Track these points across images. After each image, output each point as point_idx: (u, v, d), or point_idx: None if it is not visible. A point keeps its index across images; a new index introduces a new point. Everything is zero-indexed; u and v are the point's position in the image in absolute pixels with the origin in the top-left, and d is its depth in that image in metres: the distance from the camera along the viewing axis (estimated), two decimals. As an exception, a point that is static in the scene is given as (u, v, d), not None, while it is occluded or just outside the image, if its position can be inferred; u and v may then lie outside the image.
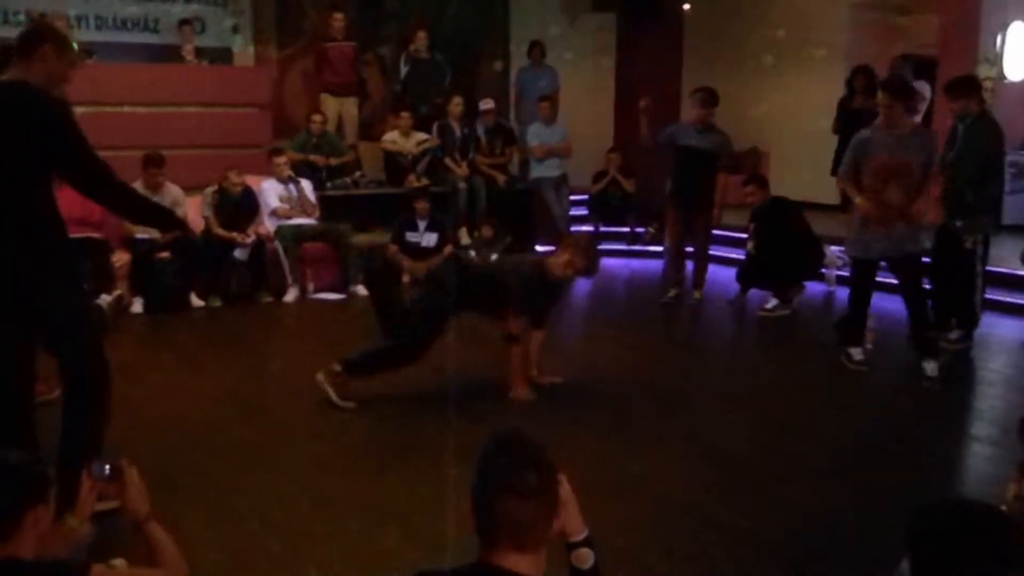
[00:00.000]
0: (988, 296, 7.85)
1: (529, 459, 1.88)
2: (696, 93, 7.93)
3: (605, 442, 4.86)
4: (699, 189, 7.83)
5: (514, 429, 1.98)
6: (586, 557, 2.07)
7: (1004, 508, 2.99)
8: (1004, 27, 10.89)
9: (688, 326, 7.84)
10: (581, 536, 2.07)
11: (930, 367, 5.81)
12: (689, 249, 8.29)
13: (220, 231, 8.11)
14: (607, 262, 10.32)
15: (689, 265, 8.33)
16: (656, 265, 9.53)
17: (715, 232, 10.23)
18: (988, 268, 8.12)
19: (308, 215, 8.67)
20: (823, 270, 8.42)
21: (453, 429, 4.79)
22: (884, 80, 6.47)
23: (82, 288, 3.91)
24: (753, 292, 8.15)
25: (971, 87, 6.59)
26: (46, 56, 3.60)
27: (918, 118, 9.19)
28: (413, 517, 3.89)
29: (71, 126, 3.59)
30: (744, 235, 8.92)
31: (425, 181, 9.72)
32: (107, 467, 2.60)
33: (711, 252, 8.53)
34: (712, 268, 8.73)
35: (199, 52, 9.90)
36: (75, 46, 3.76)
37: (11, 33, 8.85)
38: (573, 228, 10.44)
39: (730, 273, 8.55)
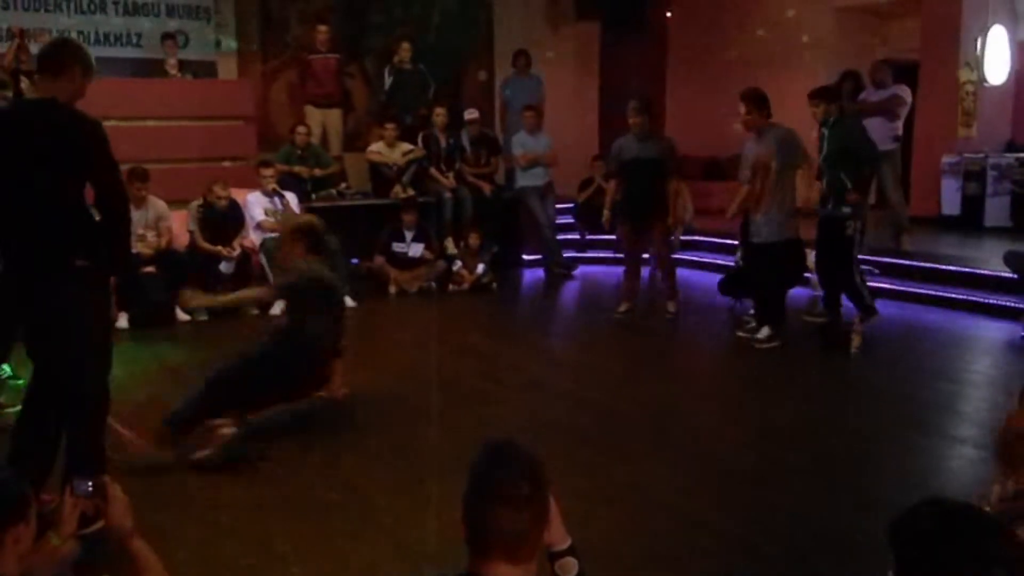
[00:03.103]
0: (972, 298, 7.96)
1: (522, 469, 1.86)
2: (631, 103, 7.86)
3: (591, 449, 4.86)
4: (651, 200, 7.67)
5: (506, 438, 1.96)
6: (570, 566, 2.06)
7: (988, 509, 3.00)
8: (984, 31, 11.00)
9: (673, 333, 7.85)
10: (565, 545, 2.05)
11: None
12: (645, 256, 8.23)
13: (205, 245, 8.08)
14: (593, 269, 10.42)
15: (648, 275, 8.25)
16: (643, 273, 9.52)
17: (706, 238, 10.31)
18: (975, 270, 8.28)
19: (294, 227, 8.64)
20: (807, 275, 8.44)
21: (438, 439, 4.79)
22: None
23: (105, 308, 3.94)
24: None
25: (832, 95, 7.48)
26: (75, 77, 3.69)
27: (899, 122, 9.25)
28: (400, 527, 3.88)
29: (105, 145, 3.69)
30: (731, 241, 8.97)
31: (411, 192, 9.73)
32: (89, 484, 2.58)
33: (694, 258, 8.49)
34: (698, 274, 8.76)
35: (183, 66, 9.88)
36: (95, 64, 3.85)
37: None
38: (559, 236, 10.46)
39: (713, 279, 8.57)
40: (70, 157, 3.62)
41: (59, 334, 3.70)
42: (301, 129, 9.67)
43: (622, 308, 8.05)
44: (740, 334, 7.22)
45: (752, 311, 7.60)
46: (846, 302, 7.36)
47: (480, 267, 9.39)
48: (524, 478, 1.84)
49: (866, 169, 7.30)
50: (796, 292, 8.33)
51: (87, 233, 3.70)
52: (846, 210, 7.13)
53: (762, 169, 6.87)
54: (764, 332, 6.91)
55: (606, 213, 8.15)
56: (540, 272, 10.31)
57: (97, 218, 3.77)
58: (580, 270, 10.26)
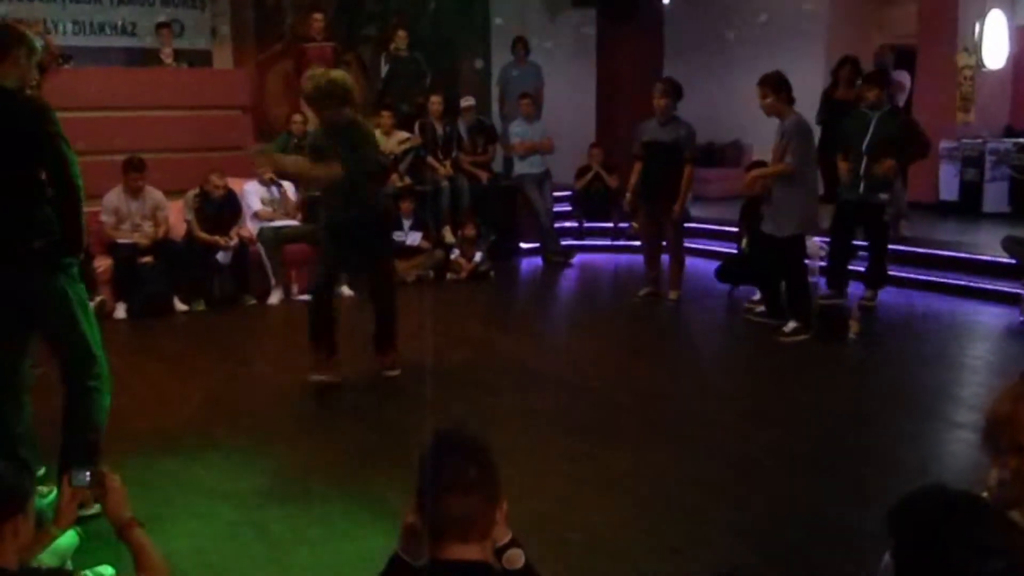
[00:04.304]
0: (971, 284, 7.98)
1: (468, 454, 1.92)
2: (657, 84, 7.88)
3: (589, 437, 4.86)
4: (666, 184, 7.69)
5: (455, 425, 2.02)
6: (516, 557, 2.09)
7: (986, 495, 3.00)
8: (982, 16, 10.96)
9: (672, 320, 7.85)
10: (507, 539, 2.08)
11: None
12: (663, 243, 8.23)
13: (202, 235, 8.07)
14: (591, 258, 10.40)
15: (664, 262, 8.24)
16: (640, 260, 9.54)
17: (703, 225, 10.30)
18: (973, 256, 8.32)
19: (290, 216, 8.64)
20: (806, 261, 8.44)
21: (434, 428, 4.78)
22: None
23: (73, 289, 3.89)
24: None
25: (885, 80, 7.68)
26: (19, 60, 3.62)
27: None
28: (398, 517, 3.87)
29: (54, 127, 3.61)
30: (728, 228, 8.95)
31: (408, 180, 9.71)
32: (87, 474, 2.58)
33: (692, 245, 8.49)
34: (695, 261, 8.74)
35: (178, 55, 9.84)
36: (39, 46, 3.78)
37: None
38: (557, 225, 10.44)
39: (712, 266, 8.56)
40: (22, 142, 3.57)
41: (40, 326, 3.70)
42: (297, 118, 9.60)
43: (642, 291, 8.13)
44: (748, 316, 7.26)
45: (756, 297, 7.61)
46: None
47: (478, 256, 9.38)
48: (470, 463, 1.90)
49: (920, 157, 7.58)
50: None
51: (45, 216, 3.64)
52: (884, 197, 7.29)
53: (774, 159, 6.76)
54: (791, 325, 6.72)
55: (628, 196, 8.15)
56: (538, 260, 10.30)
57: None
58: (578, 258, 10.24)
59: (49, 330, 3.77)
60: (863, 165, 7.22)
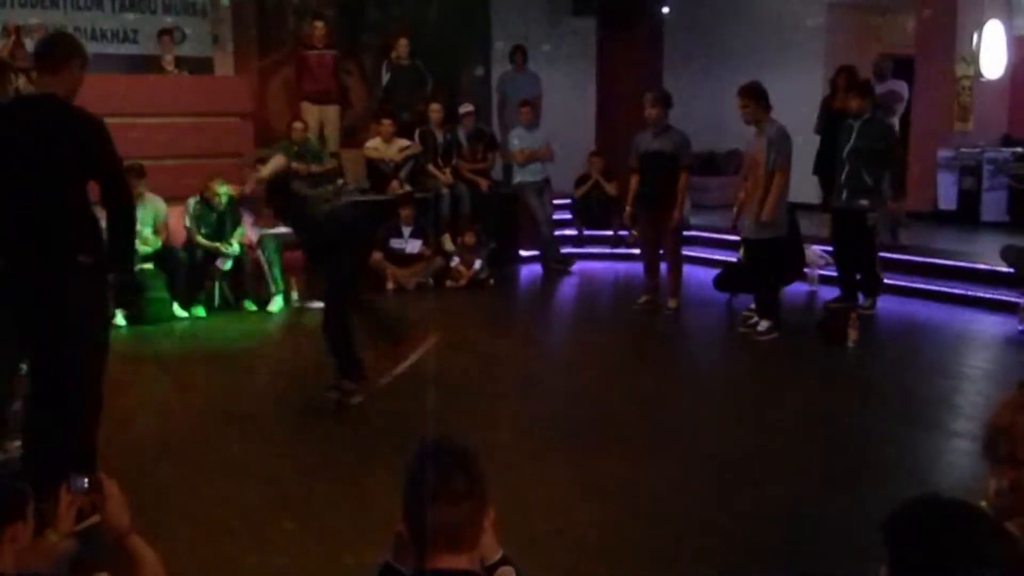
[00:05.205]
0: (969, 293, 7.98)
1: (455, 464, 1.91)
2: (647, 94, 7.98)
3: (589, 444, 4.87)
4: (664, 192, 7.76)
5: (441, 435, 2.01)
6: (508, 575, 2.08)
7: (984, 504, 3.00)
8: (980, 26, 10.99)
9: (671, 329, 7.85)
10: (498, 556, 2.08)
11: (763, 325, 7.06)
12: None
13: (203, 241, 8.08)
14: (591, 265, 10.41)
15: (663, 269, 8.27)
16: (640, 268, 9.56)
17: (702, 234, 10.32)
18: (971, 265, 8.33)
19: (291, 223, 8.63)
20: (805, 270, 8.46)
21: (436, 436, 4.78)
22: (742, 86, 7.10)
23: (105, 305, 3.91)
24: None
25: (868, 90, 7.83)
26: (72, 71, 3.69)
27: (896, 118, 9.25)
28: (397, 522, 3.88)
29: (109, 143, 3.68)
30: (727, 236, 8.95)
31: (408, 188, 9.72)
32: (85, 480, 2.59)
33: (691, 253, 8.51)
34: (695, 269, 8.75)
35: (179, 62, 9.86)
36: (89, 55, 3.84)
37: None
38: (557, 233, 10.45)
39: (711, 274, 8.56)
40: (74, 155, 3.62)
41: (61, 331, 3.70)
42: (298, 125, 9.62)
43: (641, 299, 8.15)
44: (741, 330, 7.24)
45: (752, 306, 7.62)
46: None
47: (477, 263, 9.38)
48: (458, 473, 1.89)
49: (898, 170, 7.64)
50: (796, 288, 8.36)
51: (90, 230, 3.70)
52: (863, 203, 7.40)
53: (754, 165, 6.96)
54: (763, 325, 7.03)
55: (628, 209, 8.22)
56: (537, 268, 10.31)
57: (100, 216, 3.76)
58: (577, 266, 10.25)
59: (74, 338, 3.76)
60: (845, 172, 7.43)
